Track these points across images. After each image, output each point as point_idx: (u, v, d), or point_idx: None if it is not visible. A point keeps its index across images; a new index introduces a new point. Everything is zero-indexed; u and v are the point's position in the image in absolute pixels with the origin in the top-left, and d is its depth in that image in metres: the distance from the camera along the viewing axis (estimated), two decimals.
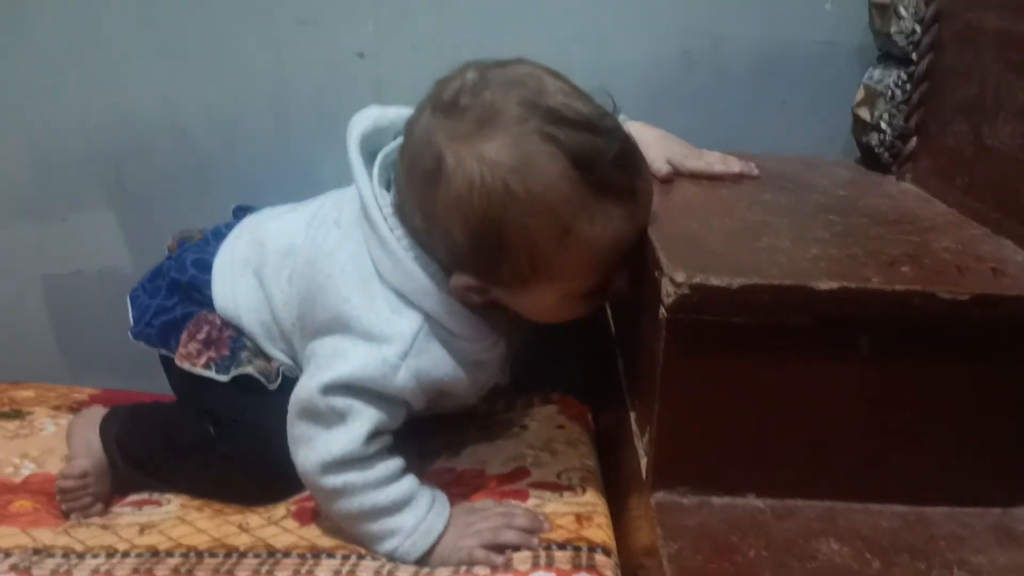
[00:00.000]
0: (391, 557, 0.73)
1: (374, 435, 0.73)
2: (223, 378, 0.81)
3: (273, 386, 0.83)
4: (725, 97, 0.99)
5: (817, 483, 0.63)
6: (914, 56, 0.85)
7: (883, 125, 0.88)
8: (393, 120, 0.78)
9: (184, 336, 0.84)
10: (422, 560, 0.73)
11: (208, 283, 0.85)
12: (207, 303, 0.85)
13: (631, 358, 0.78)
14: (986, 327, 0.58)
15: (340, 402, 0.72)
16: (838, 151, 0.99)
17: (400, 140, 0.75)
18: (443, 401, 0.80)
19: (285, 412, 0.76)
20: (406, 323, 0.73)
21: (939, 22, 0.82)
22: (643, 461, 0.67)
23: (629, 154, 0.70)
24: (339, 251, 0.77)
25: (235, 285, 0.85)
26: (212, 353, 0.82)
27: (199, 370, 0.82)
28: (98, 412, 0.91)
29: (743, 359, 0.60)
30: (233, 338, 0.83)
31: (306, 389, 0.72)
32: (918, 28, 0.84)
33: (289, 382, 0.80)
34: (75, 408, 0.99)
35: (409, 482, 0.74)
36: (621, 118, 0.88)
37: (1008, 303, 0.58)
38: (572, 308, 0.75)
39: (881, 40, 0.89)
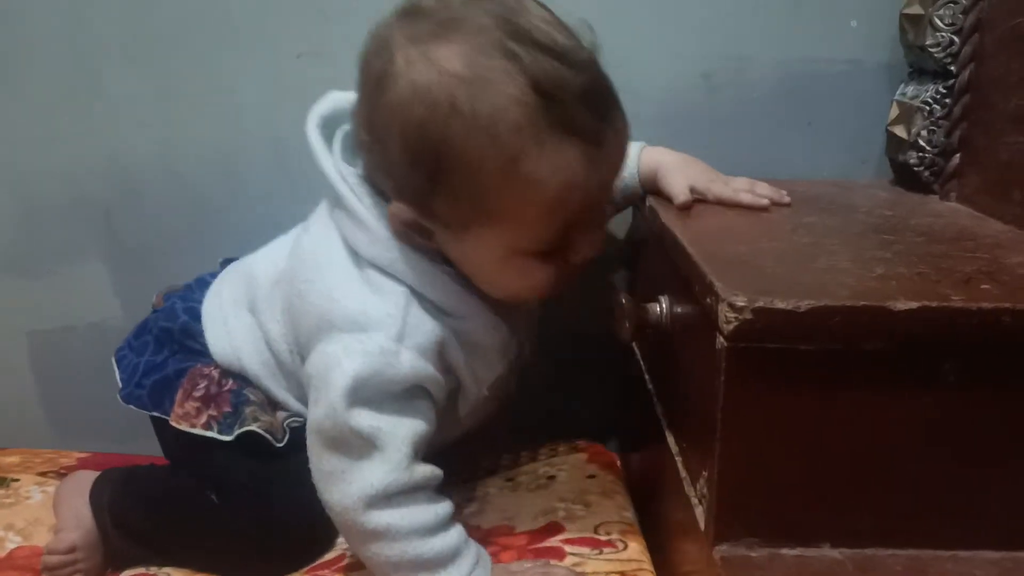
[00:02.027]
0: None
1: (414, 453, 0.66)
2: (226, 438, 0.74)
3: (280, 444, 0.75)
4: (748, 120, 0.94)
5: (900, 530, 0.56)
6: (953, 68, 0.80)
7: (922, 142, 0.83)
8: (351, 99, 0.72)
9: (180, 395, 0.77)
10: None
11: (202, 331, 0.79)
12: (202, 352, 0.78)
13: (674, 395, 0.72)
14: None
15: (365, 423, 0.64)
16: (870, 172, 0.94)
17: None
18: (459, 403, 0.75)
19: (293, 475, 0.69)
20: (391, 300, 0.68)
21: (980, 31, 0.78)
22: (698, 510, 0.60)
23: (600, 94, 0.64)
24: (313, 251, 0.72)
25: (229, 327, 0.79)
26: (213, 411, 0.75)
27: (199, 431, 0.75)
28: (87, 477, 0.84)
29: (813, 390, 0.54)
30: (234, 391, 0.76)
31: (322, 417, 0.65)
32: (956, 39, 0.80)
33: (297, 437, 0.73)
34: (63, 474, 0.92)
35: (456, 535, 0.67)
36: (639, 144, 0.83)
37: None
38: (524, 272, 0.68)
39: (914, 54, 0.85)
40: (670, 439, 0.71)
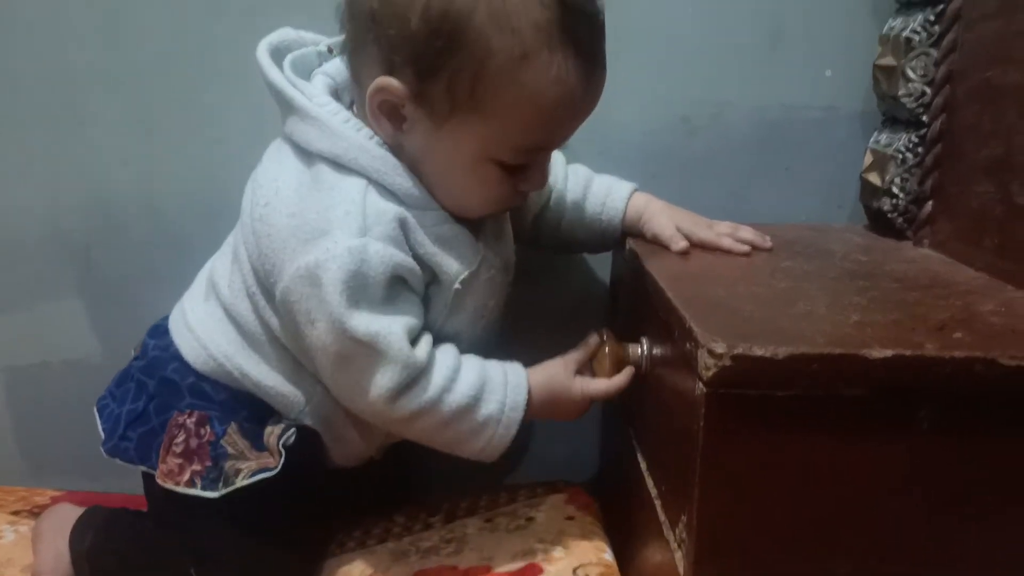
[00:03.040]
0: (488, 449, 0.73)
1: (411, 343, 0.70)
2: (212, 494, 0.73)
3: (275, 470, 0.74)
4: (727, 164, 0.96)
5: (879, 574, 0.57)
6: (925, 118, 0.82)
7: (895, 189, 0.85)
8: (302, 36, 0.77)
9: (162, 450, 0.75)
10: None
11: (169, 345, 0.79)
12: (176, 386, 0.77)
13: (654, 437, 0.72)
14: None
15: (362, 329, 0.67)
16: (845, 217, 0.96)
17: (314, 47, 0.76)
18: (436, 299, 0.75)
19: (278, 544, 0.75)
20: (347, 195, 0.69)
21: (951, 82, 0.80)
22: (677, 555, 0.60)
23: (601, 33, 0.69)
24: (265, 172, 0.73)
25: (189, 322, 0.79)
26: (196, 466, 0.74)
27: (183, 489, 0.74)
28: (69, 514, 0.82)
29: (791, 436, 0.55)
30: (212, 443, 0.74)
31: (323, 334, 0.68)
32: (928, 90, 0.82)
33: (293, 454, 0.74)
34: (36, 512, 0.90)
35: (472, 368, 0.73)
36: (631, 185, 0.85)
37: None
38: (484, 180, 0.71)
39: (887, 104, 0.87)
40: (649, 482, 0.71)
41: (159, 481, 0.74)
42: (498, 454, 0.75)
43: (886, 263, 0.77)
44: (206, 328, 0.78)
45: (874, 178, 0.87)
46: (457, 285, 0.74)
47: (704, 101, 0.94)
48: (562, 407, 0.76)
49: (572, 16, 0.65)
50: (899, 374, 0.53)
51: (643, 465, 0.74)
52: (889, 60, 0.84)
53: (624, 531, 0.81)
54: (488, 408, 0.72)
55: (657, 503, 0.68)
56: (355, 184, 0.69)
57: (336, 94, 0.75)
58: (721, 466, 0.56)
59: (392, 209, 0.70)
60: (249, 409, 0.78)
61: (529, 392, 0.74)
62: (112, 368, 0.97)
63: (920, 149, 0.83)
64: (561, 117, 0.69)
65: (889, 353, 0.53)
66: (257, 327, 0.76)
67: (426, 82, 0.66)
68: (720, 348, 0.53)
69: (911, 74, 0.82)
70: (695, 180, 0.96)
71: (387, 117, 0.69)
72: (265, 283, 0.72)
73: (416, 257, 0.71)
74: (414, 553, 0.83)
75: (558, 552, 0.78)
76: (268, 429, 0.76)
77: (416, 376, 0.70)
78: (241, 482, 0.73)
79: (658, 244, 0.81)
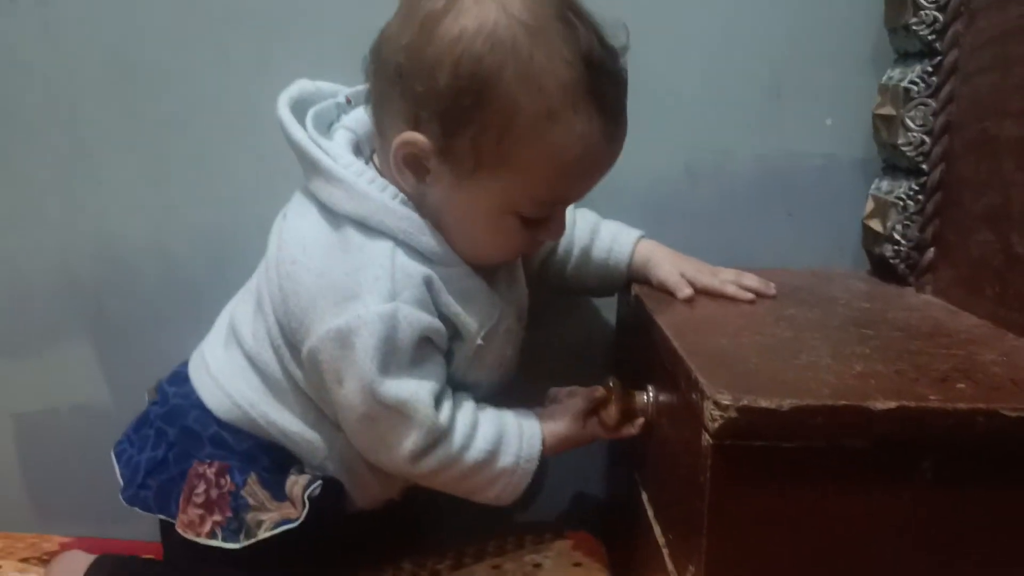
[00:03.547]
0: (503, 496, 0.76)
1: (437, 406, 0.72)
2: (233, 545, 0.73)
3: (297, 521, 0.74)
4: (730, 211, 0.97)
5: None
6: (924, 166, 0.83)
7: (897, 236, 0.86)
8: (320, 87, 0.78)
9: (182, 500, 0.76)
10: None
11: (190, 393, 0.79)
12: (198, 436, 0.77)
13: (660, 484, 0.73)
14: None
15: (391, 395, 0.70)
16: (848, 262, 0.97)
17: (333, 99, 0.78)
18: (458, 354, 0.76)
19: None
20: (376, 259, 0.70)
21: (949, 132, 0.81)
22: None
23: (623, 88, 0.71)
24: (292, 230, 0.74)
25: (212, 371, 0.79)
26: (217, 516, 0.74)
27: (204, 540, 0.74)
28: (78, 561, 0.82)
29: (796, 487, 0.55)
30: (232, 494, 0.75)
31: (352, 394, 0.70)
32: (927, 139, 0.83)
33: (317, 505, 0.74)
34: (46, 560, 0.90)
35: (489, 422, 0.75)
36: (638, 232, 0.86)
37: None
38: (506, 233, 0.72)
39: (887, 152, 0.88)
40: (656, 530, 0.71)
41: (180, 531, 0.74)
42: (512, 500, 0.77)
43: (888, 310, 0.78)
44: (228, 376, 0.78)
45: (876, 224, 0.88)
46: (479, 341, 0.76)
47: (707, 149, 0.96)
48: (571, 447, 0.79)
49: (597, 75, 0.67)
50: (902, 426, 0.53)
51: (650, 512, 0.75)
52: (888, 110, 0.86)
53: None
54: (504, 461, 0.75)
55: (664, 551, 0.68)
56: (383, 247, 0.70)
57: (357, 147, 0.76)
58: (728, 516, 0.56)
59: (419, 271, 0.71)
60: (270, 458, 0.78)
61: (543, 443, 0.76)
62: (121, 414, 0.98)
63: (920, 197, 0.84)
64: (584, 172, 0.71)
65: (892, 405, 0.53)
66: (281, 377, 0.76)
67: (452, 138, 0.67)
68: (726, 400, 0.54)
69: (910, 123, 0.84)
70: (699, 226, 0.97)
71: (411, 169, 0.70)
72: (291, 338, 0.73)
73: (440, 316, 0.73)
74: None
75: None
76: (291, 479, 0.76)
77: (439, 438, 0.72)
78: (263, 534, 0.74)
79: (663, 291, 0.82)
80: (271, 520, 0.74)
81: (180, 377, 0.82)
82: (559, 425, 0.78)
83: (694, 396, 0.57)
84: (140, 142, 0.95)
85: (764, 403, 0.53)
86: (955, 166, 0.81)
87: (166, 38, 0.93)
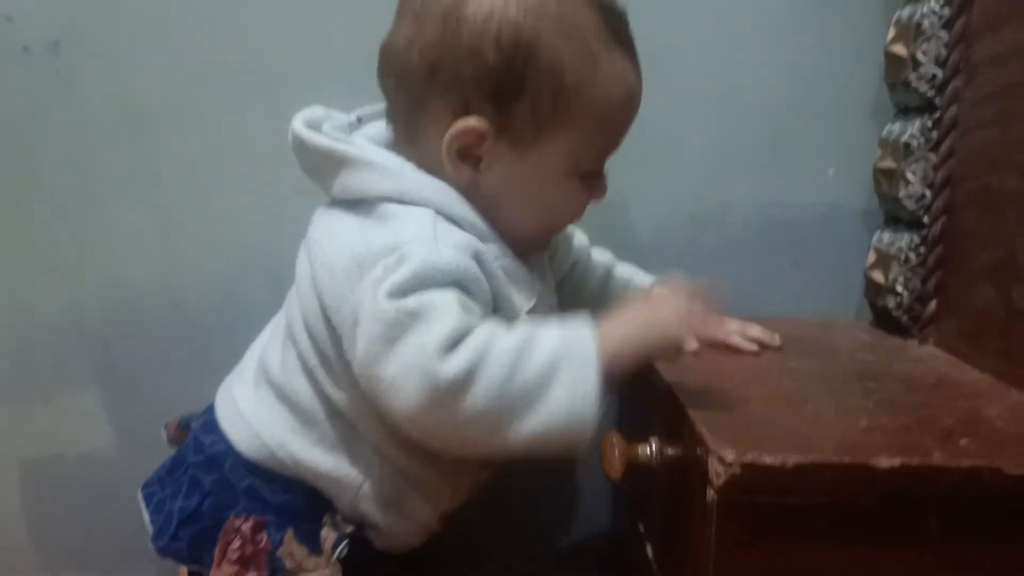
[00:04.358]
0: (582, 411, 0.62)
1: (459, 335, 0.63)
2: None
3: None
4: (734, 260, 0.98)
5: None
6: (926, 219, 0.84)
7: (899, 288, 0.86)
8: (331, 112, 0.78)
9: (217, 552, 0.73)
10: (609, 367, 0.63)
11: (223, 440, 0.77)
12: (233, 487, 0.76)
13: (664, 538, 0.73)
14: None
15: (413, 300, 0.62)
16: (851, 311, 0.98)
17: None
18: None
19: None
20: (416, 220, 0.68)
21: (950, 186, 0.82)
22: None
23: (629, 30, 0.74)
24: (322, 230, 0.73)
25: (240, 409, 0.77)
26: (253, 574, 0.72)
27: None
28: None
29: (802, 543, 0.56)
30: (269, 552, 0.73)
31: (368, 329, 0.62)
32: (928, 192, 0.84)
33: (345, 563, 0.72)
34: None
35: (524, 324, 0.66)
36: (652, 279, 0.87)
37: None
38: (570, 195, 0.74)
39: (889, 204, 0.89)
40: None
41: None
42: (594, 404, 0.63)
43: (892, 362, 0.78)
44: (258, 415, 0.76)
45: (878, 276, 0.89)
46: (524, 316, 0.73)
47: (711, 200, 0.97)
48: (655, 318, 0.68)
49: (614, 18, 0.71)
50: (907, 483, 0.54)
51: (655, 566, 0.74)
52: (889, 163, 0.87)
53: None
54: (546, 344, 0.63)
55: None
56: (424, 211, 0.69)
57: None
58: (733, 571, 0.56)
59: (464, 237, 0.70)
60: (307, 506, 0.75)
61: (595, 331, 0.66)
62: (127, 461, 0.99)
63: (922, 249, 0.85)
64: (628, 111, 0.74)
65: (897, 462, 0.54)
66: (313, 403, 0.74)
67: (509, 110, 0.69)
68: (730, 456, 0.54)
69: (911, 177, 0.85)
70: (703, 275, 0.97)
71: (465, 161, 0.71)
72: (329, 344, 0.70)
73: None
74: None
75: None
76: (324, 532, 0.74)
77: (467, 328, 0.63)
78: None
79: None
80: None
81: (211, 425, 0.79)
82: (617, 319, 0.68)
83: (699, 450, 0.58)
84: (148, 191, 0.96)
85: (768, 460, 0.54)
86: (956, 219, 0.82)
87: (177, 87, 0.95)
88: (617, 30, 0.71)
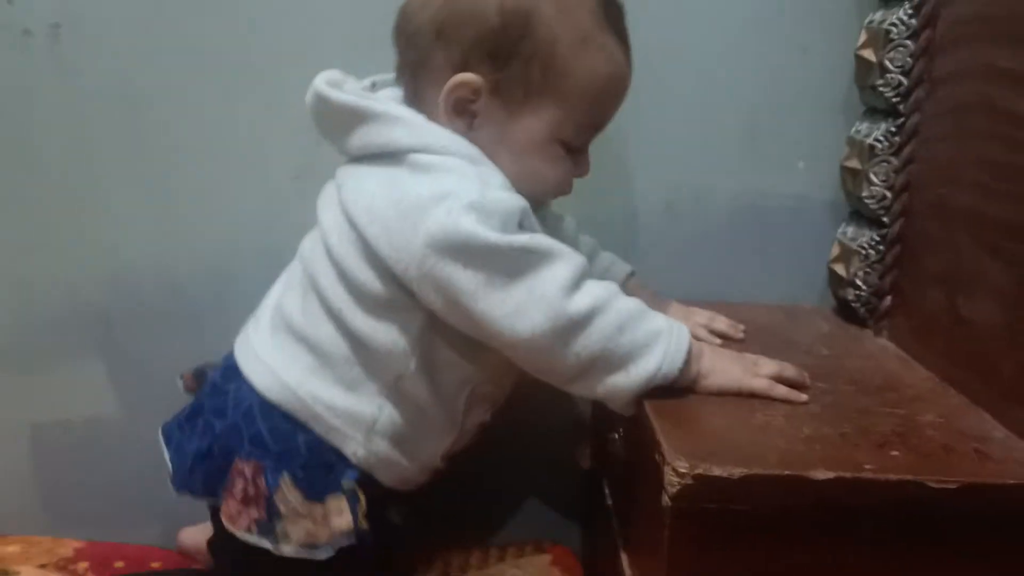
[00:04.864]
0: (660, 374, 0.70)
1: (582, 276, 0.72)
2: (269, 545, 0.77)
3: (323, 551, 0.77)
4: (707, 246, 1.03)
5: None
6: (886, 219, 0.89)
7: (859, 282, 0.92)
8: (347, 77, 0.82)
9: (225, 491, 0.80)
10: (687, 370, 0.72)
11: (242, 387, 0.82)
12: (239, 433, 0.80)
13: (628, 519, 0.79)
14: (975, 514, 0.61)
15: (522, 238, 0.70)
16: (816, 297, 1.03)
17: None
18: None
19: None
20: (455, 167, 0.74)
21: (909, 191, 0.87)
22: None
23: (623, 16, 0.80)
24: (356, 192, 0.77)
25: (258, 353, 0.83)
26: (255, 513, 0.78)
27: (242, 534, 0.78)
28: None
29: (747, 546, 0.62)
30: (267, 498, 0.78)
31: (483, 276, 0.69)
32: (888, 194, 0.89)
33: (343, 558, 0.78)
34: (61, 566, 0.97)
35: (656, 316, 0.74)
36: (628, 269, 0.93)
37: (993, 491, 0.60)
38: (555, 161, 0.79)
39: (853, 201, 0.94)
40: (624, 560, 0.78)
41: (223, 521, 0.79)
42: (669, 378, 0.71)
43: (846, 358, 0.84)
44: (278, 359, 0.81)
45: (840, 269, 0.94)
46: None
47: (686, 188, 1.02)
48: (724, 366, 0.75)
49: (611, 6, 0.78)
50: (840, 493, 0.60)
51: (620, 541, 0.81)
52: (855, 163, 0.91)
53: None
54: (656, 320, 0.73)
55: None
56: (455, 160, 0.74)
57: None
58: (685, 569, 0.63)
59: (499, 175, 0.75)
60: (308, 454, 0.80)
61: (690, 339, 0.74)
62: (130, 424, 1.05)
63: (881, 248, 0.90)
64: (614, 93, 0.80)
65: (831, 475, 0.60)
66: (335, 345, 0.79)
67: (502, 71, 0.75)
68: (683, 468, 0.60)
69: (874, 179, 0.89)
70: (677, 260, 1.03)
71: (460, 115, 0.76)
72: (378, 285, 0.75)
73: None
74: None
75: None
76: (335, 503, 0.78)
77: (584, 269, 0.72)
78: (289, 551, 0.77)
79: None
80: (297, 540, 0.77)
81: (232, 371, 0.84)
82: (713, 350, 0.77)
83: (657, 456, 0.64)
84: (147, 174, 1.00)
85: (717, 471, 0.60)
86: (913, 223, 0.86)
87: (174, 71, 0.98)
88: (612, 16, 0.78)
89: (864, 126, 0.92)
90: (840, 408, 0.72)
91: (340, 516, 0.78)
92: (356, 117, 0.77)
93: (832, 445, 0.65)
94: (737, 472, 0.60)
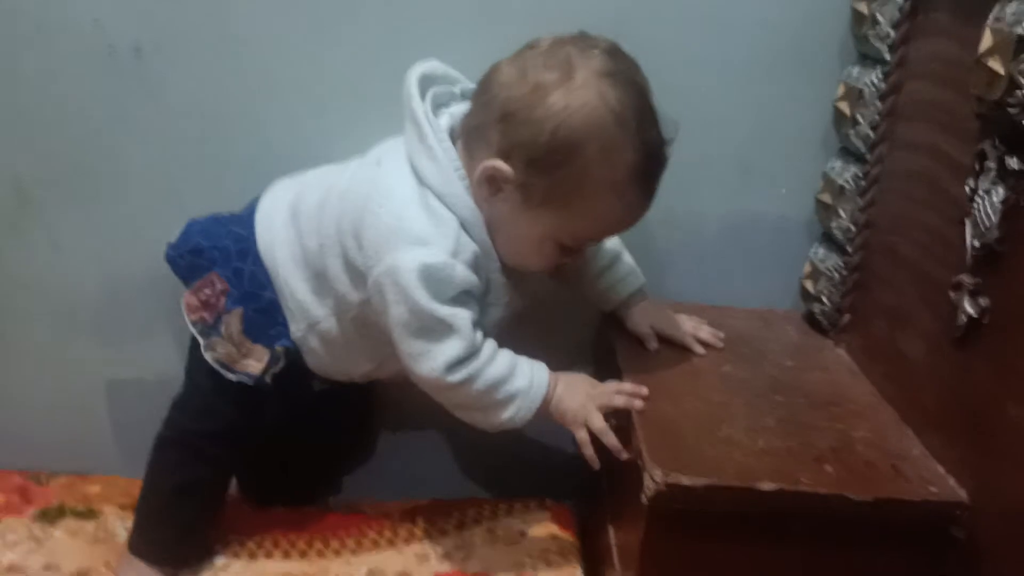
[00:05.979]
0: (512, 422, 0.90)
1: (474, 328, 0.89)
2: (201, 342, 0.96)
3: (230, 375, 0.97)
4: (700, 257, 1.18)
5: None
6: (849, 249, 1.04)
7: (824, 299, 1.07)
8: (447, 71, 0.96)
9: (195, 286, 0.98)
10: (538, 414, 0.91)
11: (251, 233, 0.99)
12: (228, 258, 0.98)
13: (617, 507, 0.96)
14: (887, 524, 0.78)
15: (443, 311, 0.86)
16: (791, 302, 1.18)
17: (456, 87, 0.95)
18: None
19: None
20: (447, 226, 0.88)
21: (870, 228, 1.01)
22: None
23: (661, 173, 0.90)
24: (387, 181, 0.90)
25: (272, 223, 0.99)
26: (205, 315, 0.97)
27: (188, 321, 0.98)
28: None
29: (710, 543, 0.80)
30: (219, 313, 0.97)
31: (405, 313, 0.86)
32: (853, 228, 1.03)
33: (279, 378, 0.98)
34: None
35: (507, 353, 0.92)
36: (640, 284, 1.07)
37: (901, 506, 0.77)
38: (545, 253, 0.92)
39: (824, 227, 1.09)
40: (611, 532, 0.96)
41: (184, 301, 0.98)
42: (522, 423, 0.91)
43: (806, 370, 1.00)
44: (280, 236, 0.98)
45: (809, 285, 1.10)
46: (501, 313, 0.97)
47: (683, 208, 1.16)
48: (569, 405, 0.92)
49: (653, 162, 0.88)
50: (780, 502, 0.77)
51: (608, 515, 0.99)
52: (827, 197, 1.06)
53: (594, 555, 1.06)
54: (519, 382, 0.90)
55: (614, 551, 0.93)
56: (453, 220, 0.89)
57: (452, 133, 0.93)
58: (657, 559, 0.81)
59: (474, 251, 0.90)
60: (266, 303, 0.98)
61: (551, 381, 0.92)
62: None
63: (844, 272, 1.04)
64: (620, 226, 0.94)
65: (774, 488, 0.77)
66: (315, 258, 0.95)
67: (532, 178, 0.86)
68: (658, 476, 0.77)
69: (842, 214, 1.04)
70: (673, 268, 1.18)
71: (489, 185, 0.89)
72: (350, 256, 0.91)
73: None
74: (433, 556, 1.09)
75: (542, 567, 1.04)
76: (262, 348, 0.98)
77: (472, 352, 0.88)
78: (210, 357, 0.97)
79: (636, 336, 1.04)
80: (224, 354, 0.97)
81: (248, 220, 1.01)
82: (571, 379, 0.94)
83: (639, 463, 0.80)
84: (215, 176, 1.15)
85: (685, 481, 0.77)
86: (870, 258, 1.01)
87: (242, 95, 1.11)
88: (649, 172, 0.88)
89: (838, 164, 1.06)
90: (790, 423, 0.88)
91: (257, 361, 0.97)
92: (419, 132, 0.90)
93: (779, 458, 0.81)
94: (700, 482, 0.77)
